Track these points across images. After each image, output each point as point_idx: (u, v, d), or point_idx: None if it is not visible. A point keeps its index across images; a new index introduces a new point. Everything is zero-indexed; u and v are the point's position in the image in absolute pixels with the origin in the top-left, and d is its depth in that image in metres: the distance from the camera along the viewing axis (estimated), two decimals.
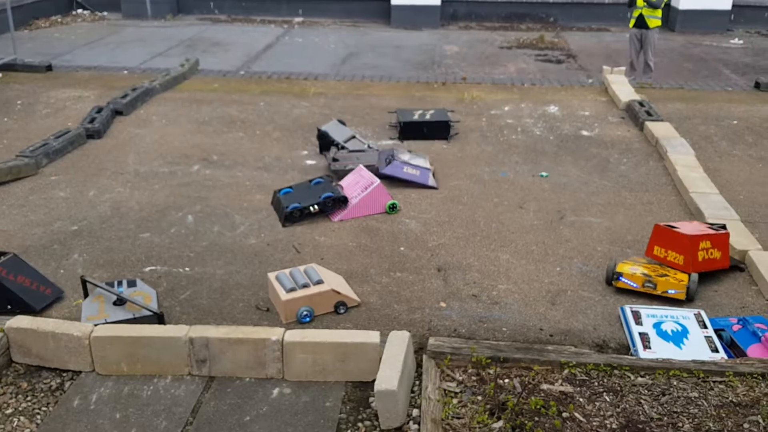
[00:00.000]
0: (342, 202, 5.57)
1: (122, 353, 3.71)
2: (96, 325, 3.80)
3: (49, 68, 10.13)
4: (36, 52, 11.27)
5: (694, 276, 4.50)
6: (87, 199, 5.87)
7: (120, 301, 4.10)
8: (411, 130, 7.36)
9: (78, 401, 3.57)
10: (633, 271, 4.57)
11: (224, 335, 3.68)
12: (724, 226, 4.88)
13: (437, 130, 7.41)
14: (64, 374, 3.77)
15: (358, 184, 5.76)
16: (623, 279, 4.56)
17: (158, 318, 4.03)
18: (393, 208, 5.66)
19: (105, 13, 15.13)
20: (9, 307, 4.16)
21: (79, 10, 15.25)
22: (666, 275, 4.53)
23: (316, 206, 5.48)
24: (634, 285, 4.53)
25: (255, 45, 12.33)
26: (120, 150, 7.02)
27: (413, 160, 6.39)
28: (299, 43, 12.69)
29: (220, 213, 5.65)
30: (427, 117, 7.51)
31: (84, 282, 4.23)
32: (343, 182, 5.92)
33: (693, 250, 4.55)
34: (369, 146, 6.92)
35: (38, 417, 3.47)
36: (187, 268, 4.80)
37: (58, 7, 14.92)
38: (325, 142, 6.90)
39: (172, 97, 8.85)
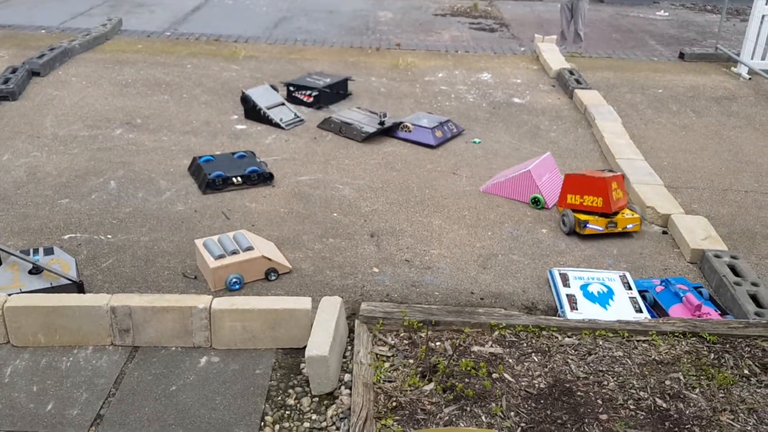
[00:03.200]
0: (267, 178, 5.41)
1: (39, 324, 3.53)
2: (10, 295, 3.60)
3: None
4: None
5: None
6: (0, 163, 5.54)
7: (36, 270, 3.89)
8: (325, 97, 7.20)
9: None
10: (595, 217, 4.91)
11: (148, 303, 3.55)
12: (611, 170, 5.26)
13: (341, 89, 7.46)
14: None
15: (521, 164, 5.54)
16: (590, 225, 4.86)
17: (78, 287, 3.85)
18: (536, 202, 5.29)
19: None
20: None
21: None
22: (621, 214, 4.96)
23: (239, 178, 5.32)
24: (600, 228, 4.87)
25: (182, 6, 11.86)
26: (36, 112, 6.64)
27: (421, 121, 6.55)
28: (229, 5, 12.29)
29: (145, 178, 5.43)
30: (328, 81, 7.36)
31: None
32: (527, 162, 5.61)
33: (609, 190, 4.84)
34: (296, 115, 6.76)
35: None
36: (109, 236, 4.60)
37: None
38: (249, 107, 6.71)
39: (93, 58, 8.43)
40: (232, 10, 11.91)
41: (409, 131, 6.44)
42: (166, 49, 9.03)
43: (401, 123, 6.50)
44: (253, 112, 6.70)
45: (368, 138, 6.38)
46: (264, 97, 6.80)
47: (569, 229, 4.93)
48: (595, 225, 4.87)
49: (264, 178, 5.40)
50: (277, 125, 6.56)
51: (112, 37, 9.46)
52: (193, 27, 10.43)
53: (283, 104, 6.84)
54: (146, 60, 8.48)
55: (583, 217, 4.89)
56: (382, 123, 6.50)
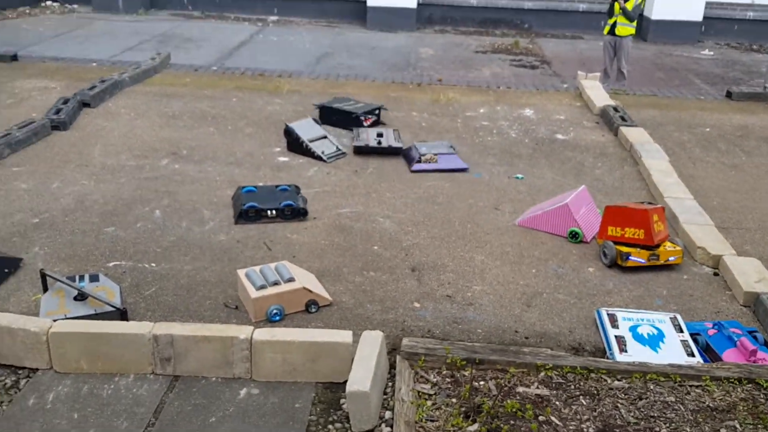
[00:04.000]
0: (301, 213, 5.39)
1: (82, 350, 3.54)
2: (55, 320, 3.63)
3: (14, 58, 9.84)
4: (2, 42, 10.93)
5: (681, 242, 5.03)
6: (50, 191, 5.66)
7: (81, 296, 3.92)
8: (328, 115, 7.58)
9: (34, 400, 3.39)
10: (637, 249, 4.82)
11: (190, 333, 3.54)
12: (651, 202, 5.31)
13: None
14: (20, 371, 3.58)
15: (558, 197, 5.50)
16: (633, 258, 4.78)
17: (121, 314, 3.86)
18: (575, 236, 5.19)
19: (75, 6, 14.77)
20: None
21: (49, 2, 14.88)
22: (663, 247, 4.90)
23: (273, 211, 5.32)
24: (642, 261, 4.80)
25: (229, 42, 12.14)
26: (86, 142, 6.80)
27: (435, 149, 6.69)
28: (274, 41, 12.54)
29: (189, 208, 5.49)
30: (360, 107, 7.65)
31: (43, 276, 4.04)
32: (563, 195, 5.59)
33: (651, 222, 4.80)
34: (338, 148, 6.78)
35: None
36: (153, 264, 4.63)
37: None
38: (292, 140, 6.79)
39: (141, 91, 8.64)
40: (276, 45, 12.14)
41: (435, 162, 6.46)
42: (212, 83, 9.22)
43: (423, 155, 6.53)
44: (295, 144, 6.76)
45: (359, 152, 6.79)
46: (307, 130, 6.86)
47: (610, 262, 4.86)
48: (638, 257, 4.79)
49: (298, 213, 5.38)
50: (318, 158, 6.60)
51: (161, 71, 9.70)
52: (238, 62, 10.65)
53: (325, 137, 6.89)
54: (193, 93, 8.66)
55: (624, 249, 4.83)
56: (378, 142, 6.73)
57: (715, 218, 5.62)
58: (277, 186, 5.74)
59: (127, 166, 6.27)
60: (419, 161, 6.49)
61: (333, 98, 8.06)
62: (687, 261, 5.02)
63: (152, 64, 9.56)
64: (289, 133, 6.82)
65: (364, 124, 7.40)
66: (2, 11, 13.57)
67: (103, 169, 6.17)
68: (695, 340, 3.99)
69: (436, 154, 6.55)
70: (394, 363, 3.64)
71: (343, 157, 6.73)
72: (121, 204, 5.49)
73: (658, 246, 4.87)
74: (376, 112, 7.65)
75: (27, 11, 14.04)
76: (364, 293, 4.42)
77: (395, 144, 6.83)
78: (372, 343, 3.53)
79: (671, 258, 4.87)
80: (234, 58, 10.96)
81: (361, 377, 3.27)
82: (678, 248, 4.92)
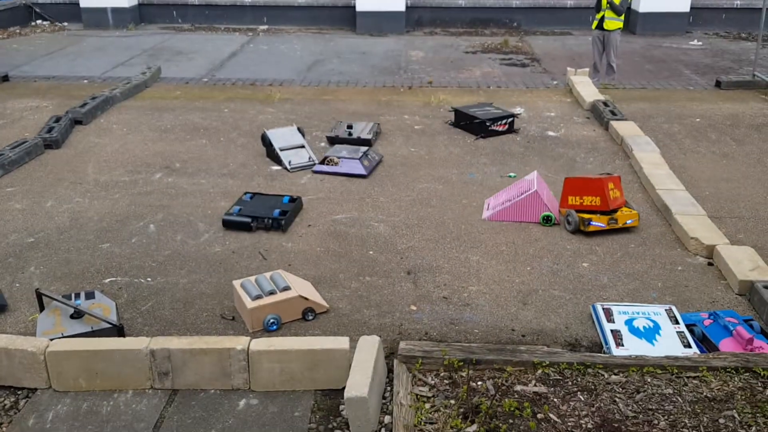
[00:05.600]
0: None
1: (80, 368, 3.55)
2: (52, 339, 3.64)
3: (5, 78, 9.86)
4: None
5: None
6: (44, 210, 5.68)
7: (77, 314, 3.93)
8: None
9: (33, 420, 3.40)
10: (597, 215, 5.23)
11: (187, 346, 3.55)
12: (609, 173, 5.72)
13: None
14: (19, 392, 3.60)
15: (519, 187, 5.63)
16: (594, 223, 5.20)
17: (118, 330, 3.88)
18: (548, 220, 5.41)
19: (65, 24, 14.81)
20: None
21: (39, 21, 14.92)
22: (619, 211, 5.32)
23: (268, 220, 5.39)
24: (602, 225, 5.22)
25: (219, 53, 12.17)
26: (79, 159, 6.82)
27: (341, 153, 6.68)
28: (264, 50, 12.56)
29: (183, 221, 5.50)
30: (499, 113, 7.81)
31: (39, 295, 4.05)
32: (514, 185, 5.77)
33: (606, 189, 5.21)
34: (310, 158, 6.74)
35: None
36: (149, 279, 4.64)
37: (17, 18, 14.58)
38: (267, 146, 6.85)
39: (133, 106, 8.66)
40: (267, 54, 12.17)
41: (336, 164, 6.52)
42: (203, 95, 9.24)
43: (325, 157, 6.60)
44: (270, 151, 6.79)
45: (331, 141, 7.23)
46: (283, 138, 6.85)
47: (574, 228, 5.27)
48: (598, 222, 5.21)
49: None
50: (285, 167, 6.59)
51: (152, 85, 9.72)
52: (229, 72, 10.68)
53: (302, 147, 6.84)
54: (185, 106, 8.68)
55: (586, 215, 5.19)
56: (349, 134, 7.21)
57: (708, 208, 5.64)
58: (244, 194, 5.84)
59: (120, 181, 6.28)
60: (323, 162, 6.57)
61: (477, 104, 8.31)
62: (681, 252, 5.05)
63: (143, 79, 9.58)
64: (263, 139, 6.85)
65: (498, 130, 7.58)
66: None
67: (96, 185, 6.19)
68: (691, 331, 4.00)
69: (340, 158, 6.57)
70: (392, 367, 3.66)
71: (310, 168, 6.63)
72: (115, 220, 5.51)
73: (615, 211, 5.26)
74: (510, 119, 7.68)
75: (18, 31, 14.08)
76: (360, 299, 4.43)
77: (364, 136, 7.18)
78: (369, 348, 3.54)
79: (629, 221, 5.29)
80: (225, 69, 10.98)
81: (359, 383, 3.28)
82: (634, 212, 5.33)
